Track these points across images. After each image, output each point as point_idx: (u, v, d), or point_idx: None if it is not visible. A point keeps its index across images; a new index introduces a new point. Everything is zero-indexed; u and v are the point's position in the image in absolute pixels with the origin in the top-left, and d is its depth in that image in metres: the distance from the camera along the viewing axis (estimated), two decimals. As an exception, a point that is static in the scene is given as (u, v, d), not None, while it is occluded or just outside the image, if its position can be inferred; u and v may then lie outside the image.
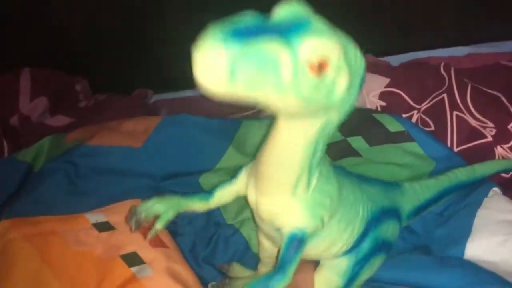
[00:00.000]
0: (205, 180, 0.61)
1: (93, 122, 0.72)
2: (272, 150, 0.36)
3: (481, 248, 0.52)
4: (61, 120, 0.79)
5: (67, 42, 0.90)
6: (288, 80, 0.28)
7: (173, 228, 0.55)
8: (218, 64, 0.26)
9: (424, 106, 0.73)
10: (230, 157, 0.63)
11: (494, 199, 0.58)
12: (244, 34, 0.27)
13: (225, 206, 0.57)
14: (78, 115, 0.80)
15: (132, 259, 0.48)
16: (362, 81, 0.34)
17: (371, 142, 0.65)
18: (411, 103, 0.73)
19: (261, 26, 0.28)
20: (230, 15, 0.29)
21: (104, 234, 0.51)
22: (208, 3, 0.79)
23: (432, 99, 0.73)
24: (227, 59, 0.26)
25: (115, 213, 0.54)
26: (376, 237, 0.46)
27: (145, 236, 0.48)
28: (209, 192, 0.47)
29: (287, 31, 0.28)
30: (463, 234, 0.54)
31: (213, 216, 0.57)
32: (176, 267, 0.49)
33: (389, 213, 0.49)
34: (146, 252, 0.49)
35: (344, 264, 0.45)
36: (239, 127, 0.66)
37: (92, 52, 0.90)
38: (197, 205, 0.47)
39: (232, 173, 0.60)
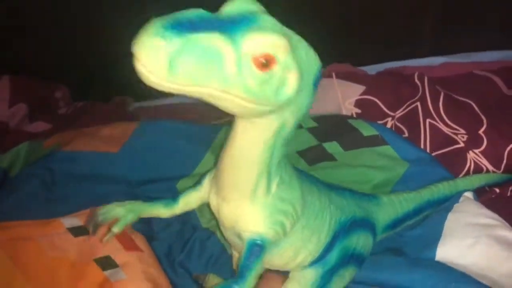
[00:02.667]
0: (182, 185, 0.61)
1: (72, 128, 0.72)
2: (230, 153, 0.37)
3: (451, 251, 0.53)
4: (40, 126, 0.79)
5: (48, 50, 0.90)
6: (232, 73, 0.28)
7: (149, 232, 0.55)
8: (158, 56, 0.26)
9: (398, 113, 0.74)
10: (208, 162, 0.63)
11: (465, 203, 0.59)
12: (186, 28, 0.27)
13: (201, 210, 0.57)
14: (57, 122, 0.80)
15: (106, 263, 0.48)
16: (317, 82, 0.34)
17: (345, 146, 0.66)
18: (386, 110, 0.75)
19: (206, 20, 0.28)
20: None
21: (79, 239, 0.51)
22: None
23: (406, 107, 0.74)
24: (166, 51, 0.26)
25: (91, 218, 0.54)
26: (345, 248, 0.45)
27: (101, 239, 0.48)
28: (174, 198, 0.47)
29: (232, 26, 0.29)
30: (434, 237, 0.55)
31: (189, 220, 0.58)
32: (150, 271, 0.49)
33: (361, 223, 0.48)
34: (120, 256, 0.49)
35: (311, 275, 0.45)
36: (218, 133, 0.67)
37: (72, 59, 0.90)
38: (161, 211, 0.47)
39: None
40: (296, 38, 0.32)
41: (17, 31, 0.87)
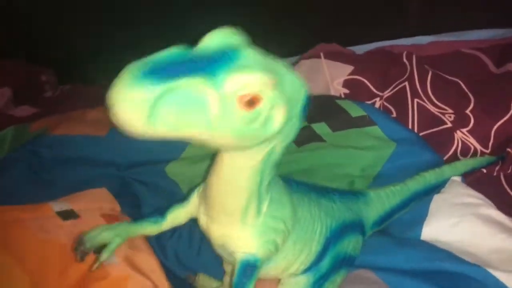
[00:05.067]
0: (171, 169, 0.61)
1: (58, 112, 0.71)
2: (217, 180, 0.36)
3: (436, 230, 0.54)
4: (26, 110, 0.78)
5: (33, 33, 0.89)
6: (216, 116, 0.27)
7: (139, 216, 0.55)
8: (136, 106, 0.25)
9: (386, 93, 0.74)
10: (195, 146, 0.63)
11: (450, 184, 0.60)
12: (164, 72, 0.26)
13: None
14: (43, 105, 0.79)
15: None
16: (306, 107, 0.33)
17: (334, 127, 0.66)
18: (374, 90, 0.75)
19: (184, 61, 0.27)
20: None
21: (69, 222, 0.51)
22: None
23: (395, 87, 0.75)
24: (144, 101, 0.25)
25: (80, 201, 0.54)
26: (336, 254, 0.45)
27: (90, 268, 0.46)
28: (161, 214, 0.46)
29: (212, 65, 0.27)
30: (420, 217, 0.55)
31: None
32: (140, 256, 0.49)
33: (351, 227, 0.48)
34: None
35: (303, 283, 0.44)
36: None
37: (58, 42, 0.89)
38: (149, 229, 0.46)
39: (198, 162, 0.60)
40: (281, 68, 0.30)
41: (1, 14, 0.86)
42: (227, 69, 0.27)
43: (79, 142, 0.61)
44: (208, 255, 0.53)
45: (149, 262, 0.49)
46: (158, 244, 0.54)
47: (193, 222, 0.55)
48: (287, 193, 0.40)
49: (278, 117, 0.29)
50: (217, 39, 0.28)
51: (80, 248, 0.44)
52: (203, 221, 0.41)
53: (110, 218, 0.52)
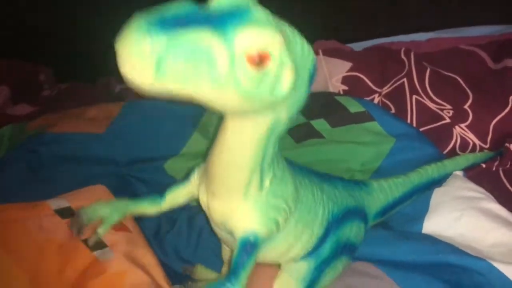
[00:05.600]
0: (170, 165, 0.61)
1: (56, 110, 0.71)
2: (221, 150, 0.35)
3: (437, 224, 0.54)
4: (24, 108, 0.78)
5: (31, 32, 0.89)
6: (224, 72, 0.26)
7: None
8: (143, 56, 0.24)
9: (385, 90, 0.75)
10: (195, 141, 0.63)
11: (452, 178, 0.60)
12: (173, 24, 0.25)
13: None
14: (41, 104, 0.79)
15: (95, 243, 0.48)
16: (312, 76, 0.32)
17: (333, 123, 0.66)
18: (373, 87, 0.75)
19: (194, 15, 0.26)
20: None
21: (67, 220, 0.51)
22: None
23: (393, 83, 0.75)
24: (152, 50, 0.24)
25: (78, 199, 0.53)
26: (338, 239, 0.44)
27: (86, 241, 0.46)
28: (160, 194, 0.45)
29: (223, 21, 0.26)
30: (421, 211, 0.56)
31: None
32: (138, 251, 0.48)
33: (353, 213, 0.47)
34: (109, 235, 0.49)
35: (304, 268, 0.43)
36: (205, 112, 0.66)
37: (56, 41, 0.89)
38: (148, 208, 0.45)
39: (198, 158, 0.60)
40: (291, 31, 0.30)
41: (-2, 12, 0.86)
42: (237, 24, 0.26)
43: (78, 140, 0.61)
44: (207, 249, 0.53)
45: (146, 257, 0.49)
46: (156, 239, 0.54)
47: (192, 217, 0.56)
48: (289, 172, 0.39)
49: (287, 80, 0.29)
50: None
51: (77, 222, 0.44)
52: (203, 199, 0.40)
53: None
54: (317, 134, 0.65)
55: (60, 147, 0.60)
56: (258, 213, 0.37)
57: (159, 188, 0.57)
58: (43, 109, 0.76)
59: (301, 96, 0.32)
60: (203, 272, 0.52)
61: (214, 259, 0.52)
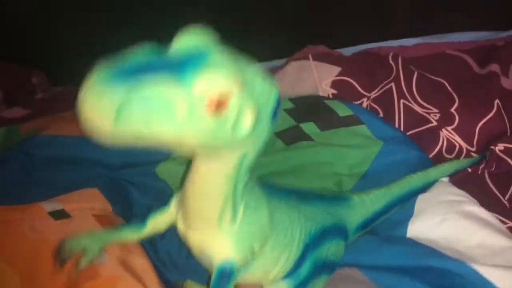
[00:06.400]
0: (162, 169, 0.61)
1: (50, 113, 0.71)
2: (193, 186, 0.36)
3: (421, 228, 0.55)
4: (17, 112, 0.78)
5: (24, 35, 0.89)
6: (184, 119, 0.26)
7: (130, 216, 0.56)
8: (102, 107, 0.25)
9: (373, 94, 0.76)
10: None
11: (437, 184, 0.61)
12: (133, 73, 0.25)
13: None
14: (34, 107, 0.79)
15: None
16: (276, 110, 0.32)
17: (322, 127, 0.67)
18: (361, 91, 0.76)
19: (154, 62, 0.26)
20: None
21: (60, 222, 0.51)
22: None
23: (381, 87, 0.76)
24: (110, 103, 0.25)
25: (71, 202, 0.54)
26: (316, 259, 0.45)
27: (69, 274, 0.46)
28: (142, 221, 0.46)
29: (182, 66, 0.26)
30: (406, 216, 0.56)
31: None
32: (132, 256, 0.49)
33: (332, 231, 0.47)
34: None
35: None
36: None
37: (49, 44, 0.89)
38: (129, 236, 0.46)
39: (189, 162, 0.61)
40: (250, 70, 0.30)
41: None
42: (194, 69, 0.27)
43: (71, 143, 0.61)
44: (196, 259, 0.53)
45: (140, 263, 0.49)
46: (151, 245, 0.54)
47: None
48: (263, 198, 0.40)
49: (246, 121, 0.29)
50: (185, 41, 0.28)
51: (59, 256, 0.45)
52: (181, 228, 0.41)
53: (101, 218, 0.53)
54: (306, 137, 0.66)
55: (53, 150, 0.60)
56: (233, 242, 0.38)
57: (151, 192, 0.59)
58: (36, 112, 0.76)
59: (265, 131, 0.33)
60: (193, 287, 0.52)
61: (203, 271, 0.53)
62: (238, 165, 0.33)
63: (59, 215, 0.52)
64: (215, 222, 0.37)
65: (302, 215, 0.44)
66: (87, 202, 0.55)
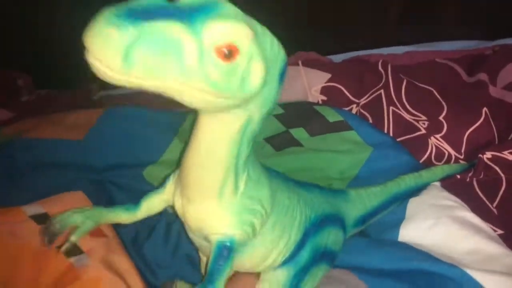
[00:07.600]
0: (149, 172, 0.61)
1: (35, 116, 0.70)
2: (194, 150, 0.35)
3: (413, 232, 0.55)
4: (2, 114, 0.77)
5: (9, 38, 0.88)
6: (193, 64, 0.26)
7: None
8: (111, 47, 0.24)
9: (363, 101, 0.76)
10: (175, 149, 0.62)
11: (428, 188, 0.61)
12: (141, 16, 0.25)
13: None
14: (20, 110, 0.78)
15: (71, 249, 0.48)
16: (283, 75, 0.32)
17: (312, 132, 0.67)
18: (351, 97, 0.76)
19: (163, 8, 0.26)
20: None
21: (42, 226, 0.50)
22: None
23: (371, 94, 0.76)
24: (120, 41, 0.24)
25: (54, 205, 0.52)
26: (316, 245, 0.44)
27: (59, 248, 0.45)
28: (136, 202, 0.45)
29: (191, 14, 0.26)
30: (397, 219, 0.56)
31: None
32: (114, 258, 0.48)
33: (331, 219, 0.47)
34: (85, 241, 0.48)
35: (283, 276, 0.43)
36: (185, 119, 0.66)
37: (34, 47, 0.88)
38: (123, 216, 0.45)
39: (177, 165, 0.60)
40: (260, 27, 0.30)
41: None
42: (205, 18, 0.26)
43: (55, 146, 0.60)
44: (184, 257, 0.52)
45: (124, 264, 0.48)
46: (134, 246, 0.53)
47: (170, 223, 0.55)
48: (265, 175, 0.39)
49: (256, 74, 0.29)
50: None
51: (49, 230, 0.43)
52: (179, 204, 0.39)
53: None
54: (296, 143, 0.66)
55: (37, 153, 0.59)
56: (234, 216, 0.37)
57: (138, 195, 0.57)
58: (21, 115, 0.75)
59: (272, 94, 0.32)
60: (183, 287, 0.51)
61: (190, 268, 0.52)
62: (243, 128, 0.33)
63: (42, 219, 0.51)
64: (216, 192, 0.36)
65: (302, 199, 0.43)
66: (71, 205, 0.53)
